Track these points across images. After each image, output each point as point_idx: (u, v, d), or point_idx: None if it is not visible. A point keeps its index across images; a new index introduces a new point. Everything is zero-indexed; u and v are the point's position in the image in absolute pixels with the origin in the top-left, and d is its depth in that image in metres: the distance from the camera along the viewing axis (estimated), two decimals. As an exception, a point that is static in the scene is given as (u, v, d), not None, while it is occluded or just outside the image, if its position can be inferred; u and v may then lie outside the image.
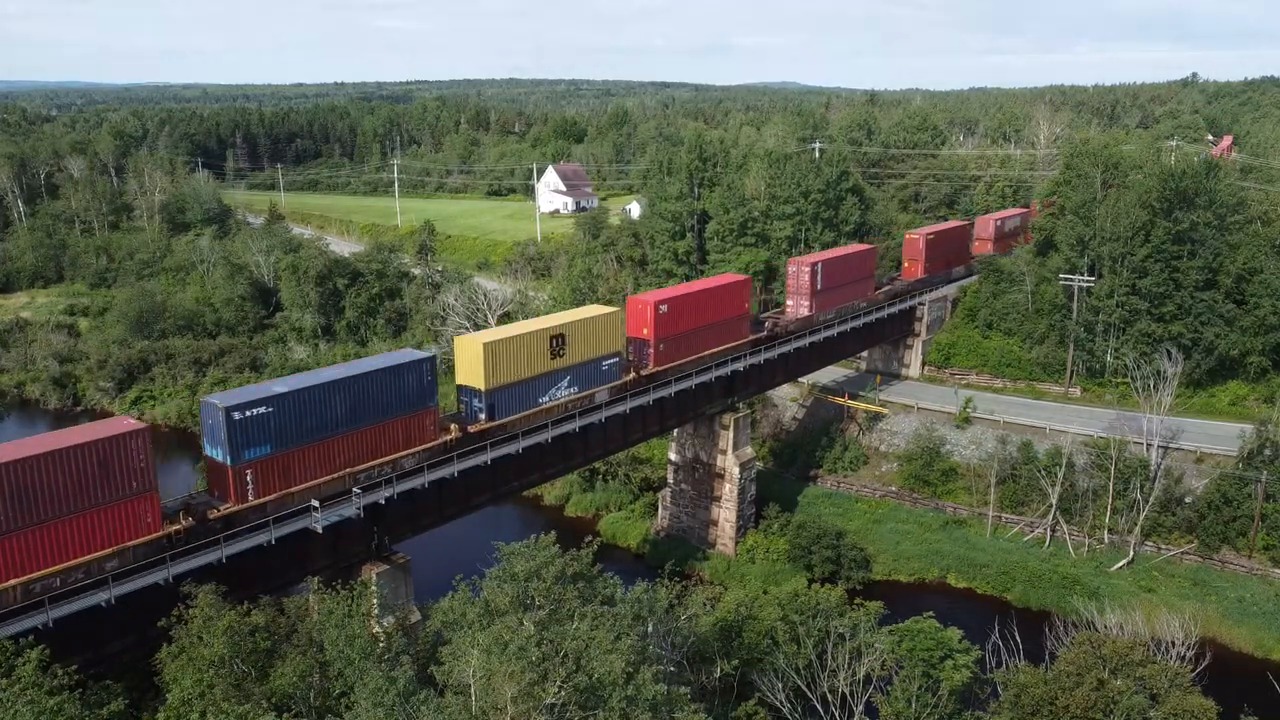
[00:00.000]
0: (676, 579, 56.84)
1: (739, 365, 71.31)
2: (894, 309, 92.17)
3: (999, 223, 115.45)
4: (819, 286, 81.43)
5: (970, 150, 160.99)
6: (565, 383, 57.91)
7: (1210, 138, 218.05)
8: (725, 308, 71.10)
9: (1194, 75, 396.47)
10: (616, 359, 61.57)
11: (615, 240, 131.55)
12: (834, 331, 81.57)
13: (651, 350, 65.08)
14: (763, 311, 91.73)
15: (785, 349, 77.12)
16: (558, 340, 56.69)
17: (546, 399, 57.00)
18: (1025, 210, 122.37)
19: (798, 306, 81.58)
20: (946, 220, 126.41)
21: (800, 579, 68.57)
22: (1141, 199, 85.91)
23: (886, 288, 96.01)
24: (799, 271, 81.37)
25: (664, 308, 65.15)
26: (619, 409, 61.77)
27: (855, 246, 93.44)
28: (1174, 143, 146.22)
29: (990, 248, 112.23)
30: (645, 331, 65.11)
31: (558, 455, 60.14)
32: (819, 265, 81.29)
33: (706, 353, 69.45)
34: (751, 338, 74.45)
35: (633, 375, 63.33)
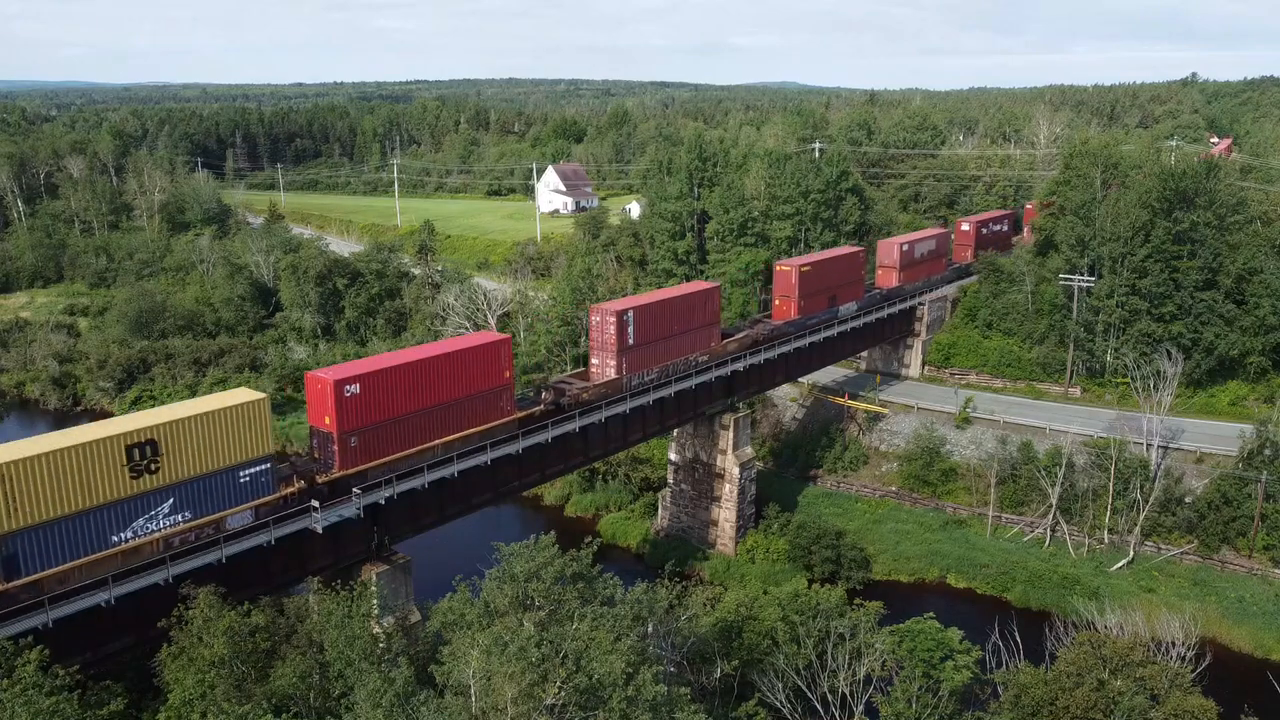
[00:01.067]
0: (676, 579, 56.98)
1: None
2: (893, 309, 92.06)
3: (905, 247, 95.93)
4: (631, 340, 63.67)
5: (970, 150, 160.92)
6: (166, 509, 40.68)
7: (1214, 139, 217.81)
8: (469, 379, 52.73)
9: (1194, 75, 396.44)
10: (266, 465, 44.10)
11: (615, 240, 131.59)
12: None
13: (337, 447, 47.08)
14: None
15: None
16: (142, 450, 39.53)
17: (127, 535, 39.84)
18: (942, 231, 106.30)
19: (603, 367, 63.98)
20: (944, 221, 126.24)
21: (800, 579, 68.61)
22: (1141, 199, 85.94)
23: (746, 333, 76.36)
24: (604, 321, 63.18)
25: (353, 389, 47.02)
26: (618, 409, 61.75)
27: (694, 285, 75.69)
28: (1174, 143, 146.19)
29: (895, 278, 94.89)
30: (327, 421, 47.07)
31: (558, 455, 60.12)
32: (630, 314, 63.30)
33: (437, 442, 51.41)
34: (520, 414, 56.34)
35: (298, 486, 46.11)
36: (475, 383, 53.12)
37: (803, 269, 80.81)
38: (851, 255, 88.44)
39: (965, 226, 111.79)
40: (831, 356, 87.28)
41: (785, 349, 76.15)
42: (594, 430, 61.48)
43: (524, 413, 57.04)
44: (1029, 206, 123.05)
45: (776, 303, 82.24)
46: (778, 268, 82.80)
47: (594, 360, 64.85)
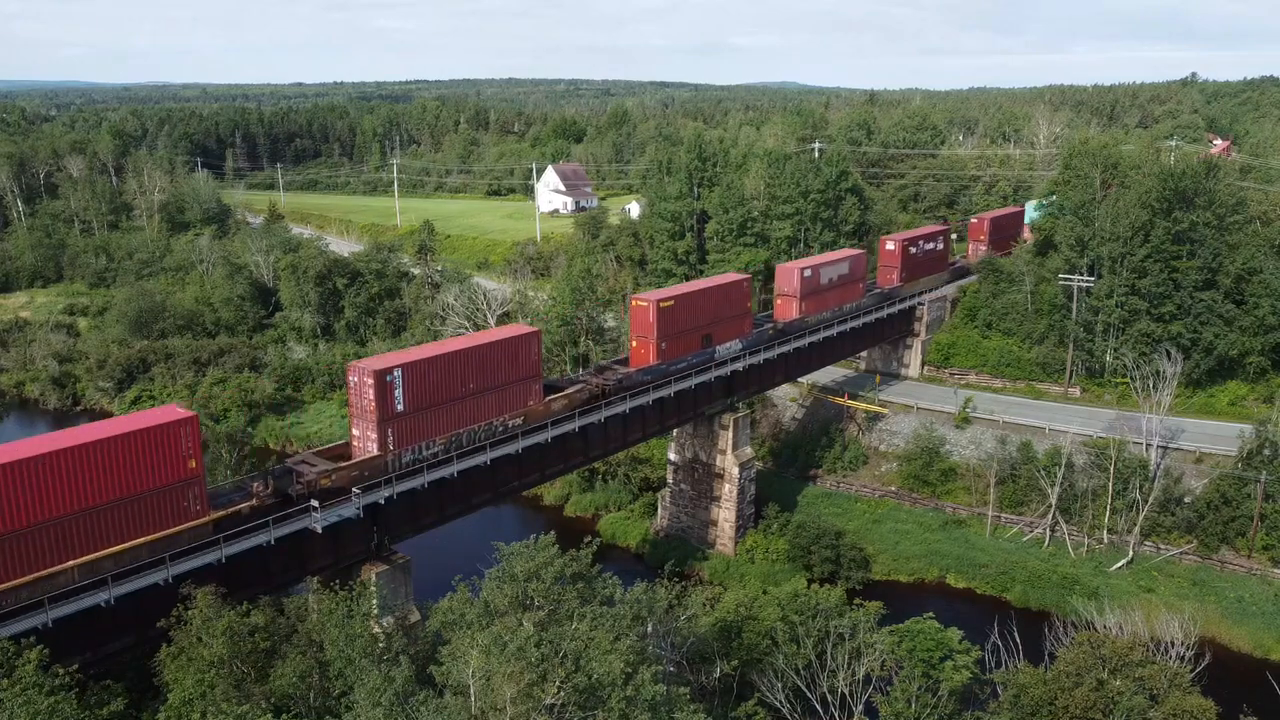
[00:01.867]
0: (676, 579, 56.99)
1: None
2: (892, 309, 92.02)
3: (808, 273, 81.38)
4: (400, 407, 49.24)
5: (970, 150, 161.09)
6: None
7: (1215, 140, 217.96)
8: (128, 475, 39.59)
9: (1194, 75, 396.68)
10: None
11: (615, 240, 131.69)
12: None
13: None
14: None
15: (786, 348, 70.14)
16: None
17: None
18: (858, 252, 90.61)
19: (364, 440, 49.51)
20: (944, 220, 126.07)
21: (800, 579, 68.61)
22: (1141, 199, 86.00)
23: (581, 385, 62.06)
24: (360, 384, 48.54)
25: None
26: (619, 409, 61.82)
27: (507, 329, 60.40)
28: (1174, 143, 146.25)
29: (795, 309, 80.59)
30: None
31: (558, 455, 60.13)
32: (397, 373, 48.79)
33: (72, 563, 38.27)
34: (216, 515, 43.55)
35: None
36: (139, 479, 39.96)
37: (663, 304, 65.80)
38: (734, 284, 73.68)
39: (890, 245, 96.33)
40: (831, 356, 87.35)
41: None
42: (594, 430, 61.51)
43: (222, 512, 44.18)
44: (974, 221, 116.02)
45: (634, 344, 67.61)
46: (633, 303, 67.37)
47: (354, 432, 50.23)
